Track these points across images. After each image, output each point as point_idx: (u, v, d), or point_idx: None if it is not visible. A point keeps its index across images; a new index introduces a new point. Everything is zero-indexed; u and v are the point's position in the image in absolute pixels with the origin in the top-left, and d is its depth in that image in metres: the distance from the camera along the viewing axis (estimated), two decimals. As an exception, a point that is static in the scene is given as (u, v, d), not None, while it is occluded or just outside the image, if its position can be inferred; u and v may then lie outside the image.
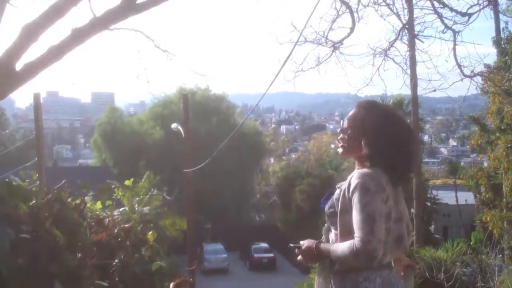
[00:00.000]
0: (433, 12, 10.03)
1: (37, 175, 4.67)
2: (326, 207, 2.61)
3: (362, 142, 2.59)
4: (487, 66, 16.31)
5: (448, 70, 10.08)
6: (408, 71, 11.00)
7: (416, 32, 10.48)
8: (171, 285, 3.87)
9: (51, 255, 2.97)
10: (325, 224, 2.68)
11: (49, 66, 4.53)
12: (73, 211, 3.66)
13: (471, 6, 9.71)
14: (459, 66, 9.64)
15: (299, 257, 2.60)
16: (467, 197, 31.19)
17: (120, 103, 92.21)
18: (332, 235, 2.59)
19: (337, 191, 2.57)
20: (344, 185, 2.53)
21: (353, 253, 2.33)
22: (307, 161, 60.87)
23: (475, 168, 24.49)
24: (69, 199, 3.90)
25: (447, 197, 33.08)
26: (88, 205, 4.64)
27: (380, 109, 2.71)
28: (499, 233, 17.09)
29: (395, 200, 2.53)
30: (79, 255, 3.38)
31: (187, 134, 16.47)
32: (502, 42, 17.96)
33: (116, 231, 4.50)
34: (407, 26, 10.34)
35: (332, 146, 72.37)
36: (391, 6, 10.21)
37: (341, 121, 2.80)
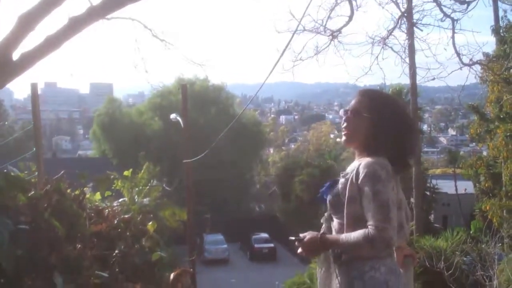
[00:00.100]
0: (432, 0, 9.98)
1: (35, 166, 4.66)
2: (329, 196, 2.59)
3: (366, 131, 2.58)
4: (486, 54, 16.29)
5: (447, 58, 10.02)
6: (407, 60, 10.96)
7: (415, 21, 10.42)
8: (172, 275, 3.87)
9: (50, 246, 2.96)
10: (325, 214, 2.67)
11: (47, 55, 4.49)
12: (72, 202, 3.64)
13: (470, -6, 9.65)
14: (458, 54, 9.60)
15: (300, 250, 2.57)
16: (466, 186, 31.21)
17: (118, 94, 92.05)
18: (334, 224, 2.57)
19: (342, 180, 2.55)
20: (350, 173, 2.51)
21: (369, 241, 2.33)
22: (306, 151, 60.99)
23: (474, 157, 24.45)
24: (68, 190, 3.88)
25: (446, 186, 33.12)
26: (88, 196, 4.62)
27: (383, 97, 2.72)
28: (498, 222, 17.11)
29: (396, 188, 2.53)
30: (79, 246, 3.37)
31: (186, 125, 16.43)
32: (501, 31, 17.89)
33: (115, 222, 4.48)
34: (405, 14, 10.28)
35: (332, 136, 72.44)
36: (390, -6, 10.15)
37: (341, 110, 2.76)
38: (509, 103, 17.27)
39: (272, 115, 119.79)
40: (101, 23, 5.03)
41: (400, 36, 11.02)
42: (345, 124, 2.65)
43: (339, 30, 9.67)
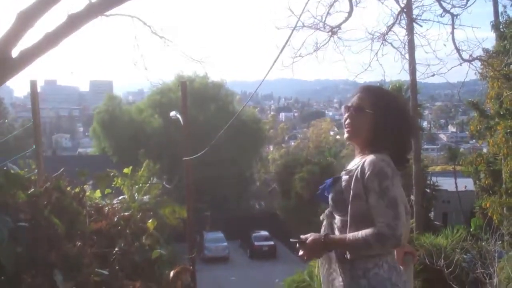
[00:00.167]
0: (431, -6, 9.95)
1: (35, 163, 4.65)
2: (332, 193, 2.58)
3: (368, 127, 2.58)
4: (486, 50, 16.27)
5: (447, 54, 10.02)
6: (407, 56, 10.95)
7: (414, 16, 10.39)
8: (171, 273, 3.87)
9: (50, 244, 2.95)
10: (326, 210, 2.66)
11: (46, 52, 4.48)
12: (72, 200, 3.63)
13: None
14: (458, 50, 9.58)
15: (301, 253, 2.54)
16: (466, 183, 31.22)
17: (118, 91, 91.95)
18: (337, 222, 2.56)
19: (345, 177, 2.53)
20: (354, 170, 2.50)
21: (380, 240, 2.32)
22: (306, 148, 60.95)
23: (474, 154, 24.46)
24: (68, 188, 3.88)
25: (446, 184, 33.12)
26: (87, 193, 4.61)
27: (385, 93, 2.71)
28: (498, 219, 17.09)
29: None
30: (79, 243, 3.36)
31: (185, 122, 16.43)
32: (501, 26, 17.87)
33: (115, 219, 4.47)
34: (405, 10, 10.25)
35: (331, 133, 72.42)
36: (389, -10, 10.17)
37: (343, 106, 2.75)
38: (509, 99, 17.26)
39: (272, 112, 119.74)
40: (100, 20, 5.02)
41: (400, 32, 11.02)
42: (347, 121, 2.64)
43: (339, 26, 9.65)
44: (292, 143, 76.48)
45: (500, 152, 18.87)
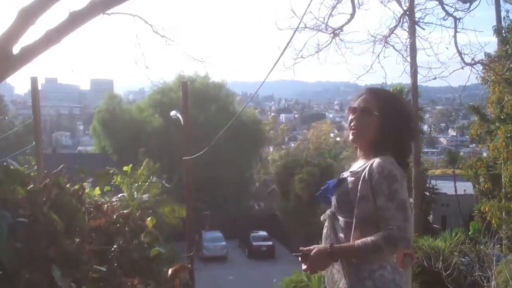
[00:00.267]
0: (434, -2, 9.96)
1: (35, 160, 4.65)
2: (336, 194, 2.57)
3: (374, 129, 2.58)
4: (487, 55, 16.28)
5: (449, 57, 10.03)
6: (409, 59, 10.95)
7: (417, 19, 10.40)
8: (170, 270, 3.87)
9: (49, 239, 2.95)
10: (328, 211, 2.65)
11: (47, 50, 4.48)
12: (71, 196, 3.64)
13: (472, -7, 9.64)
14: (460, 53, 9.59)
15: (304, 266, 2.49)
16: (466, 187, 31.18)
17: (119, 90, 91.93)
18: (341, 223, 2.56)
19: (351, 179, 2.53)
20: (361, 172, 2.50)
21: (391, 243, 2.33)
22: (306, 150, 60.97)
23: (474, 158, 24.45)
24: (68, 185, 3.88)
25: (446, 187, 33.11)
26: (87, 191, 4.62)
27: (391, 96, 2.73)
28: (497, 223, 17.12)
29: None
30: (77, 240, 3.37)
31: (186, 122, 16.43)
32: (503, 31, 17.88)
33: (114, 217, 4.48)
34: (408, 13, 10.26)
35: (332, 135, 72.44)
36: (392, -8, 10.14)
37: (348, 107, 2.73)
38: (510, 104, 17.26)
39: (272, 114, 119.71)
40: (102, 18, 5.02)
41: (402, 34, 11.02)
42: (353, 122, 2.63)
43: (341, 28, 9.67)
44: (292, 145, 76.51)
45: (500, 157, 18.86)
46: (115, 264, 3.57)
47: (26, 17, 4.29)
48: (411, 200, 13.70)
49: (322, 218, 2.69)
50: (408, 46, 10.83)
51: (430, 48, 9.82)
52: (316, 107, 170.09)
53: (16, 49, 4.44)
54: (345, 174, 2.67)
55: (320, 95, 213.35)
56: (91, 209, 4.21)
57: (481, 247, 8.01)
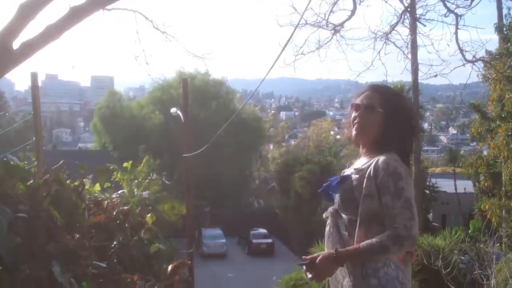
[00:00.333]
0: (435, -6, 9.92)
1: (35, 156, 4.64)
2: (340, 192, 2.56)
3: (378, 126, 2.57)
4: (489, 52, 16.25)
5: (450, 55, 9.97)
6: (409, 56, 10.92)
7: (418, 16, 10.36)
8: (169, 267, 3.87)
9: (48, 235, 2.95)
10: (330, 208, 2.63)
11: (47, 44, 4.47)
12: (71, 192, 3.63)
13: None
14: (461, 50, 9.55)
15: (310, 275, 2.45)
16: (466, 186, 31.19)
17: (119, 87, 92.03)
18: (344, 220, 2.54)
19: (356, 176, 2.51)
20: (366, 169, 2.48)
21: (398, 242, 2.32)
22: (306, 147, 61.02)
23: (474, 156, 24.43)
24: (68, 181, 3.87)
25: (446, 185, 33.10)
26: (87, 187, 4.61)
27: (394, 93, 2.71)
28: (497, 222, 17.11)
29: None
30: (77, 236, 3.36)
31: (186, 119, 16.42)
32: (505, 29, 17.85)
33: (114, 213, 4.47)
34: (409, 9, 10.21)
35: (332, 132, 72.44)
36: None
37: (350, 105, 2.71)
38: (511, 102, 17.24)
39: (273, 111, 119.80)
40: (102, 14, 5.01)
41: (403, 31, 10.98)
42: (357, 119, 2.61)
43: (342, 25, 9.62)
44: (292, 142, 76.52)
45: (500, 155, 18.84)
46: (115, 260, 3.57)
47: (26, 12, 4.27)
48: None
49: (324, 215, 2.67)
50: (409, 43, 10.80)
51: (431, 45, 9.78)
52: (317, 105, 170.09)
53: (16, 45, 4.43)
54: (347, 171, 2.66)
55: (320, 93, 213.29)
56: (91, 206, 4.21)
57: (481, 245, 8.01)
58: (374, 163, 2.46)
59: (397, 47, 10.42)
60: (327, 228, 2.63)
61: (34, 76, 4.80)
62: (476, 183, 23.30)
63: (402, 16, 10.03)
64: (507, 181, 18.24)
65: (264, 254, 32.79)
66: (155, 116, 39.82)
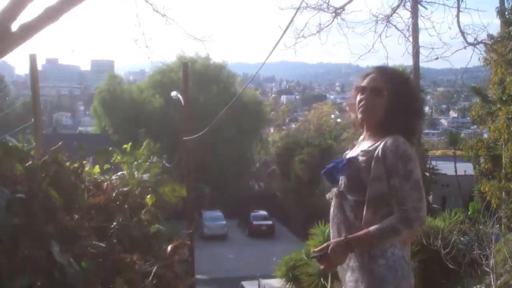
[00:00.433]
0: (437, -24, 9.84)
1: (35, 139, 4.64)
2: (347, 174, 2.55)
3: (384, 108, 2.55)
4: (490, 36, 16.17)
5: (451, 37, 9.91)
6: (411, 39, 10.86)
7: (419, -2, 10.28)
8: (169, 247, 3.88)
9: (47, 215, 2.96)
10: (334, 190, 2.62)
11: (46, 26, 4.45)
12: (70, 174, 3.64)
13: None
14: (462, 33, 9.48)
15: (323, 266, 2.45)
16: (466, 168, 31.28)
17: (119, 71, 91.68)
18: (350, 201, 2.54)
19: (363, 158, 2.50)
20: (374, 151, 2.47)
21: (408, 224, 2.33)
22: (306, 131, 60.98)
23: (475, 139, 24.46)
24: (68, 163, 3.87)
25: (446, 168, 33.22)
26: (86, 169, 4.61)
27: (399, 74, 2.70)
28: (497, 203, 17.19)
29: None
30: (76, 216, 3.37)
31: (186, 103, 16.40)
32: (506, 13, 17.76)
33: (114, 194, 4.48)
34: (410, -9, 10.13)
35: (332, 116, 72.33)
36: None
37: (355, 87, 2.67)
38: (512, 85, 17.23)
39: (273, 95, 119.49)
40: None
41: (404, 14, 10.86)
42: (363, 102, 2.59)
43: (343, 7, 9.55)
44: (293, 126, 76.42)
45: (500, 138, 18.87)
46: (115, 241, 3.59)
47: (24, -6, 4.25)
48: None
49: (327, 196, 2.67)
50: (410, 26, 10.73)
51: (432, 28, 9.71)
52: (317, 89, 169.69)
53: (14, 27, 4.41)
54: (350, 154, 2.65)
55: (321, 77, 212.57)
56: (91, 187, 4.21)
57: (480, 226, 8.05)
58: (382, 145, 2.45)
59: (398, 30, 10.35)
60: (331, 210, 2.63)
61: (32, 58, 4.79)
62: (476, 166, 23.35)
63: (404, -1, 9.96)
64: (507, 163, 18.29)
65: (264, 236, 33.03)
66: (155, 99, 39.76)
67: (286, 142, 39.56)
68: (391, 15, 10.04)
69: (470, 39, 9.59)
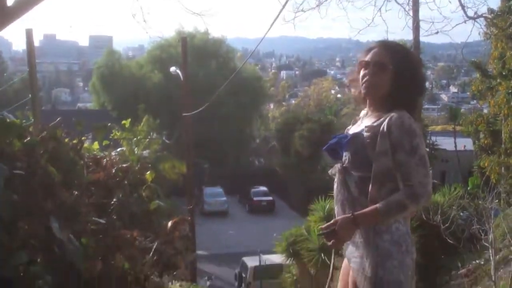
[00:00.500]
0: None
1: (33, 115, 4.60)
2: (351, 149, 2.53)
3: (388, 83, 2.52)
4: (490, 10, 16.02)
5: (452, 11, 9.82)
6: (411, 13, 10.76)
7: (420, -29, 10.15)
8: (169, 223, 3.89)
9: (46, 192, 2.95)
10: (337, 165, 2.60)
11: (42, 1, 4.39)
12: (69, 150, 3.61)
13: None
14: (463, 7, 9.39)
15: (331, 243, 2.44)
16: (466, 143, 31.31)
17: (118, 46, 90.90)
18: (355, 177, 2.51)
19: (368, 134, 2.47)
20: (378, 126, 2.44)
21: (415, 199, 2.33)
22: (306, 106, 60.85)
23: (474, 114, 24.43)
24: (66, 140, 3.85)
25: (446, 143, 33.23)
26: (86, 145, 4.59)
27: (403, 49, 2.65)
28: (496, 178, 17.22)
29: None
30: (76, 193, 3.36)
31: (185, 78, 16.31)
32: (507, -14, 17.57)
33: (113, 171, 4.46)
34: (411, -36, 10.01)
35: (332, 91, 72.13)
36: None
37: (359, 62, 2.61)
38: (512, 60, 17.13)
39: (273, 70, 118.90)
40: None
41: (405, -13, 10.72)
42: (367, 77, 2.54)
43: (342, -19, 9.44)
44: (293, 101, 76.25)
45: (500, 113, 18.86)
46: (114, 217, 3.58)
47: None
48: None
49: (330, 172, 2.65)
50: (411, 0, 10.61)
51: (432, 2, 9.64)
52: (318, 64, 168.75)
53: (10, 1, 4.36)
54: (353, 129, 2.63)
55: (321, 52, 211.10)
56: (90, 163, 4.19)
57: (480, 201, 8.05)
58: (387, 120, 2.42)
59: (398, 3, 10.25)
60: (335, 186, 2.61)
61: (29, 32, 4.73)
62: (476, 141, 23.37)
63: (404, -29, 9.84)
64: (507, 138, 18.30)
65: (265, 212, 33.21)
66: (154, 75, 39.57)
67: (286, 118, 39.48)
68: (392, -12, 9.93)
69: (471, 13, 9.51)
